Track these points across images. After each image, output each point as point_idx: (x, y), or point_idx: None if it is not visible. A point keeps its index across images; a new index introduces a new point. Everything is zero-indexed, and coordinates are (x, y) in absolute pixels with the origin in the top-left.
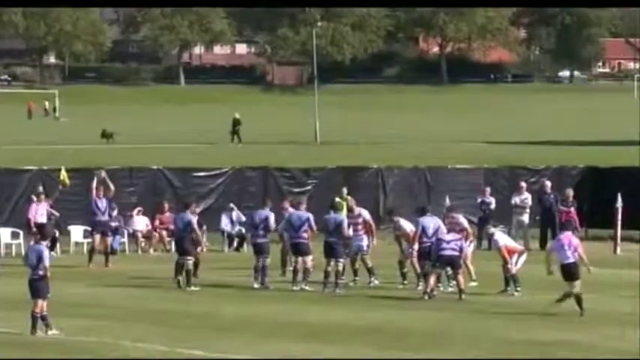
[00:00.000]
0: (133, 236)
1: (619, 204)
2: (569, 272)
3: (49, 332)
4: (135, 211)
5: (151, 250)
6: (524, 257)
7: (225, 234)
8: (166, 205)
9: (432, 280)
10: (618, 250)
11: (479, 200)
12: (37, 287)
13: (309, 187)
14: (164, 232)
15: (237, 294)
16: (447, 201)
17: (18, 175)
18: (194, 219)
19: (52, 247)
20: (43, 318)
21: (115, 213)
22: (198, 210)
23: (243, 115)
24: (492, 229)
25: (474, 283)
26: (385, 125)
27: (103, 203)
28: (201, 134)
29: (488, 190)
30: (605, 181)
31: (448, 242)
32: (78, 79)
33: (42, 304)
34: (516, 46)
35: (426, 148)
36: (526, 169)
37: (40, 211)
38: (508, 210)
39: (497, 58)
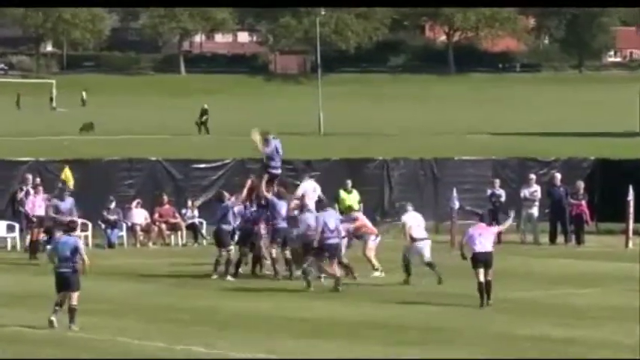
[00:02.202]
0: (131, 229)
1: (630, 197)
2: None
3: (74, 327)
4: (133, 204)
5: (150, 244)
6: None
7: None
8: (166, 198)
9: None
10: (630, 244)
11: (488, 192)
12: (71, 280)
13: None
14: (163, 226)
15: (238, 289)
16: (455, 193)
17: (13, 166)
18: (233, 209)
19: (47, 242)
20: (73, 311)
21: (113, 205)
22: (197, 203)
23: (245, 104)
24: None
25: (377, 273)
26: (391, 116)
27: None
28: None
29: (497, 182)
30: (616, 174)
31: (332, 231)
32: (76, 67)
33: (77, 297)
34: (525, 35)
35: (433, 139)
36: (535, 161)
37: (37, 203)
38: (517, 203)
39: (505, 47)
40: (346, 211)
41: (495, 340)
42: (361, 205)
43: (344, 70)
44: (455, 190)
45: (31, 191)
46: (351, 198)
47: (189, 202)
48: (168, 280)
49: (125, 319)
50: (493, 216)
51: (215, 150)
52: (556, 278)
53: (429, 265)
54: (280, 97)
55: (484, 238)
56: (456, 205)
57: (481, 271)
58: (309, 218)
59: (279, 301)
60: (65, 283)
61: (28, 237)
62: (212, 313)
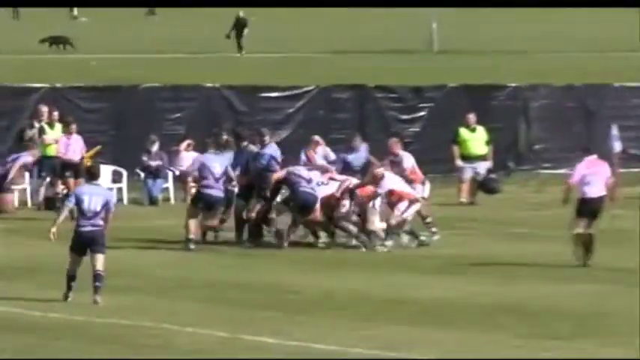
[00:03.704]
0: (180, 179)
1: None
2: None
3: (98, 299)
4: (183, 146)
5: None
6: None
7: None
8: (225, 137)
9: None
10: None
11: None
12: (98, 239)
13: (422, 113)
14: None
15: (319, 260)
16: (614, 131)
17: (21, 95)
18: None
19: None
20: (100, 279)
21: (155, 148)
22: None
23: (339, 15)
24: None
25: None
26: (527, 27)
27: None
28: (273, 42)
29: None
30: None
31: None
32: None
33: (103, 260)
34: None
35: (585, 58)
36: None
37: (72, 147)
38: None
39: None
40: (470, 157)
41: None
42: (490, 147)
43: None
44: (615, 128)
45: (46, 127)
46: (476, 138)
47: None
48: (228, 249)
49: (169, 300)
50: None
51: (289, 74)
52: None
53: None
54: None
55: (595, 178)
56: (617, 147)
57: (583, 221)
58: None
59: (377, 274)
60: (92, 243)
61: (43, 189)
62: (285, 291)
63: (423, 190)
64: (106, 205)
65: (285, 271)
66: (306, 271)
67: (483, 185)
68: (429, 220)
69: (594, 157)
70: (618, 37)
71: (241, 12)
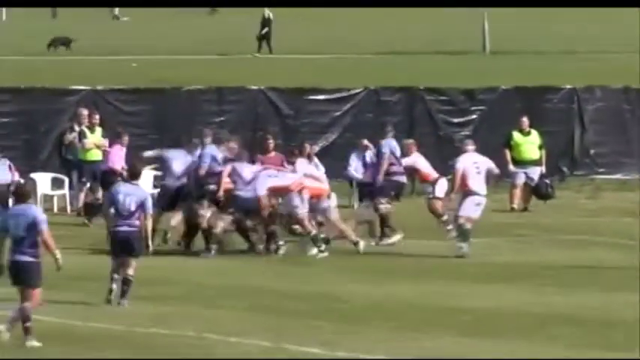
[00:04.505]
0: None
1: None
2: None
3: (125, 303)
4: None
5: None
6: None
7: (355, 182)
8: (271, 142)
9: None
10: None
11: None
12: (133, 242)
13: (474, 117)
14: None
15: (367, 268)
16: None
17: (60, 97)
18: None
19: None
20: (128, 283)
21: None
22: (316, 149)
23: (384, 15)
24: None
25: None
26: (582, 27)
27: None
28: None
29: None
30: None
31: None
32: None
33: (134, 266)
34: None
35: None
36: None
37: (118, 154)
38: None
39: None
40: (522, 162)
41: None
42: (543, 151)
43: None
44: None
45: (86, 131)
46: (529, 142)
47: (307, 147)
48: (271, 256)
49: (212, 309)
50: None
51: (337, 76)
52: None
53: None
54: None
55: None
56: None
57: None
58: None
59: (428, 284)
60: (126, 245)
61: (82, 194)
62: (332, 300)
63: (434, 191)
64: (141, 206)
65: (330, 280)
66: (354, 280)
67: (536, 191)
68: (444, 218)
69: None
70: None
71: (268, 11)
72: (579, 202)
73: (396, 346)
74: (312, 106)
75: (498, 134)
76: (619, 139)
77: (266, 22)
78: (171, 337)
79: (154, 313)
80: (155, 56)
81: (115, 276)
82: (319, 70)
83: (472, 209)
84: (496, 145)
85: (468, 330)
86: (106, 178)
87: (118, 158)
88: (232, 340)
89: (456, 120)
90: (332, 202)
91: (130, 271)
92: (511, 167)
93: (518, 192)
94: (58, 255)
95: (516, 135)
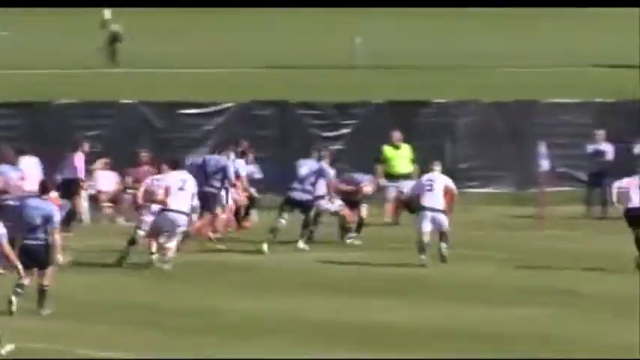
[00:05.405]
0: (95, 199)
1: None
2: None
3: (46, 311)
4: (98, 164)
5: (122, 219)
6: None
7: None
8: (144, 155)
9: None
10: None
11: (590, 149)
12: (39, 254)
13: (346, 131)
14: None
15: (245, 282)
16: (543, 148)
17: None
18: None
19: None
20: (43, 292)
21: None
22: (188, 162)
23: (254, 30)
24: None
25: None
26: (453, 40)
27: None
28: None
29: (602, 133)
30: None
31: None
32: None
33: (51, 274)
34: None
35: (513, 74)
36: None
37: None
38: (629, 163)
39: None
40: (394, 176)
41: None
42: (415, 166)
43: None
44: (543, 145)
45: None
46: (400, 156)
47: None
48: (149, 271)
49: (89, 324)
50: (597, 181)
51: (211, 88)
52: None
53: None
54: (304, 16)
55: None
56: (545, 165)
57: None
58: None
59: (310, 296)
60: (33, 259)
61: None
62: (212, 315)
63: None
64: (47, 220)
65: (209, 294)
66: (233, 294)
67: (408, 204)
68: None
69: None
70: (549, 47)
71: (116, 25)
72: (452, 216)
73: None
74: (184, 120)
75: (370, 148)
76: (490, 154)
77: (115, 37)
78: (41, 351)
79: (27, 327)
80: (26, 70)
81: (18, 290)
82: (192, 84)
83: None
84: (368, 160)
85: (356, 345)
86: (68, 187)
87: (79, 167)
88: (105, 355)
89: (328, 134)
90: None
91: (45, 281)
92: (383, 181)
93: (390, 206)
94: None
95: (388, 149)
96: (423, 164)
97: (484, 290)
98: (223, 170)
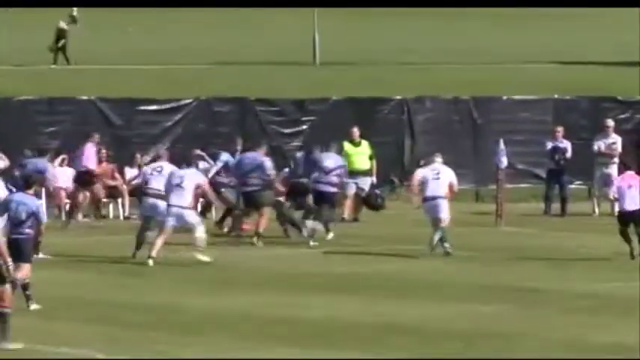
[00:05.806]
0: (53, 196)
1: None
2: None
3: (33, 306)
4: (57, 161)
5: (80, 216)
6: None
7: None
8: (103, 152)
9: None
10: None
11: (549, 145)
12: (22, 249)
13: (304, 127)
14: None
15: (203, 278)
16: (502, 145)
17: None
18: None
19: None
20: (26, 287)
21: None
22: (147, 159)
23: (213, 27)
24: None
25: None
26: (414, 38)
27: None
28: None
29: (561, 130)
30: None
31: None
32: None
33: (28, 269)
34: None
35: (472, 70)
36: (615, 101)
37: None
38: (587, 159)
39: None
40: (353, 172)
41: (564, 349)
42: (374, 162)
43: None
44: (502, 142)
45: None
46: (359, 152)
47: (138, 158)
48: (107, 268)
49: (47, 321)
50: (556, 178)
51: (170, 85)
52: None
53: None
54: (262, 15)
55: (635, 192)
56: (504, 162)
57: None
58: None
59: (266, 293)
60: (14, 252)
61: None
62: (170, 312)
63: None
64: (33, 215)
65: (167, 291)
66: (191, 291)
67: (367, 201)
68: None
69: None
70: (506, 44)
71: (63, 23)
72: (410, 213)
73: (230, 357)
74: (143, 116)
75: (329, 143)
76: (450, 150)
77: (61, 33)
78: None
79: None
80: None
81: (27, 293)
82: (151, 80)
83: None
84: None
85: (303, 340)
86: (82, 178)
87: (91, 158)
88: (63, 350)
89: (286, 131)
90: None
91: (19, 275)
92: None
93: (349, 202)
94: None
95: (347, 145)
96: (382, 162)
97: (445, 287)
98: (260, 167)
